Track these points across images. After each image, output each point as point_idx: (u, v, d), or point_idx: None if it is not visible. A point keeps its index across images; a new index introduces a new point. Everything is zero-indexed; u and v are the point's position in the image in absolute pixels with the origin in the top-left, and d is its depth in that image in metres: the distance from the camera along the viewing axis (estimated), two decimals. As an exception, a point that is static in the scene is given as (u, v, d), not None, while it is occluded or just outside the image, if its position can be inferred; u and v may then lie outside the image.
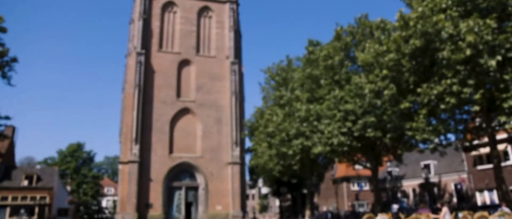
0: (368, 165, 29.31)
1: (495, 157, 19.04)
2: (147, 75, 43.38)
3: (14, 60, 24.71)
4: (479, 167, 36.15)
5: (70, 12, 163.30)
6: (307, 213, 36.33)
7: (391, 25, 23.34)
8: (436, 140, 21.24)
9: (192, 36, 47.10)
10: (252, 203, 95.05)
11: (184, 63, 45.98)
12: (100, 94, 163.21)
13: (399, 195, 48.55)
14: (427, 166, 44.04)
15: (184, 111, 44.46)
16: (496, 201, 30.84)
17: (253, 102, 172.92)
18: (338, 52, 26.44)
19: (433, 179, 43.14)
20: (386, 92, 19.58)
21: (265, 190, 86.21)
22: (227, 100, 45.85)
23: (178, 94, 44.73)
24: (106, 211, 74.23)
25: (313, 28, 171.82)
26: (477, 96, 15.75)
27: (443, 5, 16.97)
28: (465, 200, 37.87)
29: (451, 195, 40.51)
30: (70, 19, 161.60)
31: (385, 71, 19.38)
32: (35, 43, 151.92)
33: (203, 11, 48.85)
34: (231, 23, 48.28)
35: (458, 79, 16.04)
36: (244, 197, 44.80)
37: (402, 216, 25.28)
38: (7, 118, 24.60)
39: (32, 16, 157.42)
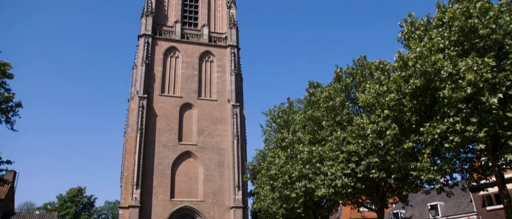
0: (373, 207, 28.61)
1: (504, 197, 18.54)
2: (149, 118, 43.58)
3: (19, 105, 24.93)
4: (489, 208, 35.24)
5: (71, 53, 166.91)
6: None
7: (390, 66, 23.63)
8: (442, 180, 20.87)
9: (194, 80, 47.72)
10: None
11: (185, 106, 46.29)
12: (102, 138, 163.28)
13: (407, 238, 47.06)
14: (434, 207, 42.97)
15: (185, 155, 44.20)
16: (508, 243, 29.77)
17: (255, 144, 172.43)
18: (338, 93, 26.61)
19: (441, 221, 41.96)
20: (388, 132, 19.46)
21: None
22: (228, 143, 45.69)
23: (180, 138, 44.66)
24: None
25: (313, 69, 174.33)
26: (481, 134, 15.60)
27: (441, 45, 17.23)
28: (475, 243, 36.61)
29: (460, 238, 39.24)
30: (71, 60, 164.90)
31: (386, 111, 19.37)
32: (34, 83, 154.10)
33: (204, 56, 49.79)
34: (232, 67, 49.04)
35: (461, 118, 15.97)
36: (247, 243, 43.48)
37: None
38: (8, 162, 24.39)
39: (32, 55, 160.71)
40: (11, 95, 24.56)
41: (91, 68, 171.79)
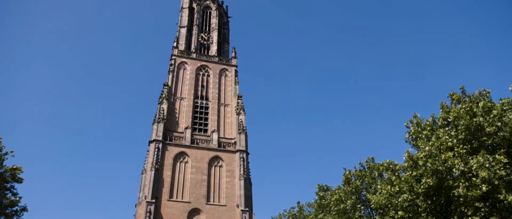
0: None
1: None
2: (155, 225, 42.12)
3: (24, 209, 24.69)
4: None
5: (79, 158, 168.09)
6: None
7: (400, 166, 23.41)
8: None
9: (203, 185, 47.16)
10: None
11: (194, 212, 44.99)
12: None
13: None
14: None
15: (191, 265, 41.67)
16: None
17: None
18: (349, 196, 26.09)
19: None
20: (405, 235, 18.51)
21: None
22: (237, 252, 43.30)
23: (187, 246, 42.57)
24: None
25: (321, 168, 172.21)
26: (504, 235, 14.77)
27: (449, 144, 17.29)
28: None
29: None
30: (79, 165, 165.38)
31: (400, 213, 18.69)
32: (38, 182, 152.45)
33: (214, 161, 49.93)
34: (241, 171, 48.78)
35: (480, 217, 15.30)
36: None
37: None
38: None
39: (36, 159, 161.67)
40: (17, 199, 24.47)
41: (97, 173, 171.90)
